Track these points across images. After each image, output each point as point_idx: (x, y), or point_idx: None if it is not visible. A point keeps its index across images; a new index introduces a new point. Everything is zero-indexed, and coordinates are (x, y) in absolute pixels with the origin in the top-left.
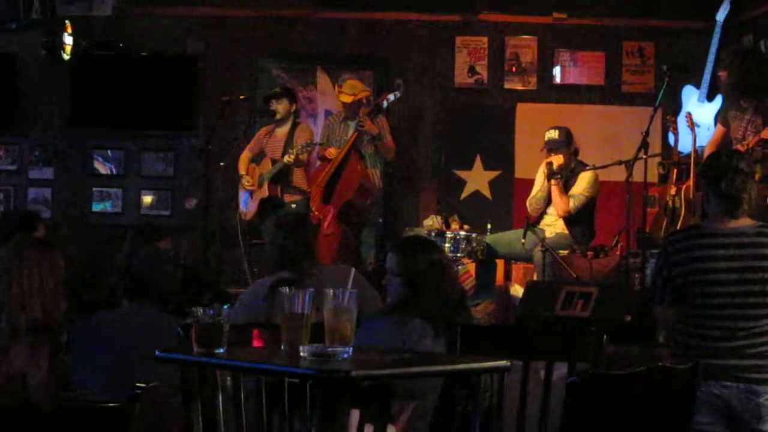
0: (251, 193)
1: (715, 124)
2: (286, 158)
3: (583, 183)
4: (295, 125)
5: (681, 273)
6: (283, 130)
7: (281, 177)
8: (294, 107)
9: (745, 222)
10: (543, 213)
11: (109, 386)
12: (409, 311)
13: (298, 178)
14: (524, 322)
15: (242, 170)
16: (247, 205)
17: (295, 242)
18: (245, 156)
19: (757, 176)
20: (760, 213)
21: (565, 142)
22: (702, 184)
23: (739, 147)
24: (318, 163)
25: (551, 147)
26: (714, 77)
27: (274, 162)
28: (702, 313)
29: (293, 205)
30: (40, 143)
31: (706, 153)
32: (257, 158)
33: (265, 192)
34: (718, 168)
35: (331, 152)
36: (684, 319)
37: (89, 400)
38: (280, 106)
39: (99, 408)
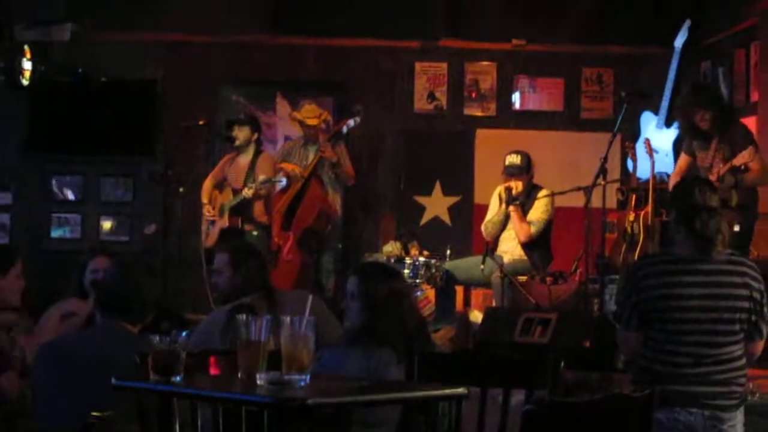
0: (212, 222)
1: (674, 150)
2: (245, 191)
3: (541, 207)
4: (257, 154)
5: (650, 298)
6: (245, 159)
7: (242, 208)
8: (256, 136)
9: None
10: (499, 237)
11: (75, 411)
12: (371, 340)
13: (258, 210)
14: (483, 349)
15: (204, 199)
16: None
17: (248, 270)
18: (208, 183)
19: (734, 202)
20: (729, 240)
21: (526, 168)
22: (670, 214)
23: (710, 176)
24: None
25: (512, 172)
26: (672, 104)
27: (235, 192)
28: (669, 339)
29: (254, 233)
30: None
31: (672, 183)
32: (220, 185)
33: (225, 222)
34: (690, 206)
35: (292, 168)
36: (649, 344)
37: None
38: (241, 133)
39: None
